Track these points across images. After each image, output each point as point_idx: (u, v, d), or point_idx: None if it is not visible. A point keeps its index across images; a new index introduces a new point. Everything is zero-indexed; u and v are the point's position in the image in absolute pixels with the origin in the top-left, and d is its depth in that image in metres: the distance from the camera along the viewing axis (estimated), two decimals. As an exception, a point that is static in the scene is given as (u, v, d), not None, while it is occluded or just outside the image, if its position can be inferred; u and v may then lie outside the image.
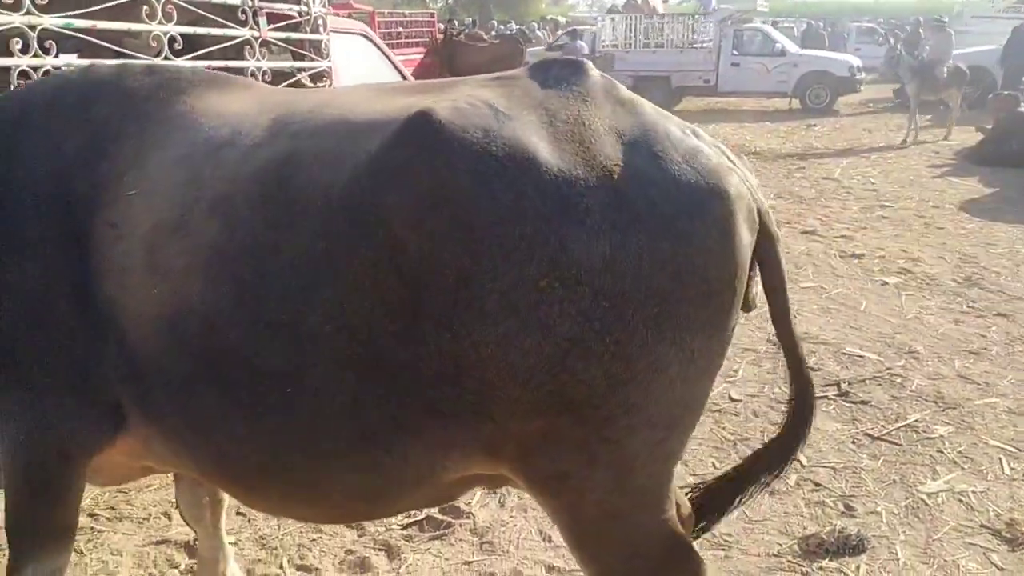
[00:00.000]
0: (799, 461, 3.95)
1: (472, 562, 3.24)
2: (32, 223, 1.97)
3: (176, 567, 3.23)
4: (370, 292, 1.69)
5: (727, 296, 1.73)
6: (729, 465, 3.91)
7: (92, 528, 3.47)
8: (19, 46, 3.43)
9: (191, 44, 4.39)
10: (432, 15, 19.13)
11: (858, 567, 3.18)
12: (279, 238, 1.77)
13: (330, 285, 1.71)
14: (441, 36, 18.44)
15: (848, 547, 3.28)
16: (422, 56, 17.26)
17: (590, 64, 1.87)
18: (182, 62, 4.22)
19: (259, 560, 3.27)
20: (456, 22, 21.93)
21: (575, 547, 1.95)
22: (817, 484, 3.80)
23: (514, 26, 25.86)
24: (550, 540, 3.37)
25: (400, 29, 17.37)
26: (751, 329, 5.72)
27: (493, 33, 23.89)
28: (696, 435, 4.22)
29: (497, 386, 1.68)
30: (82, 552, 3.32)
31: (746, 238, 1.74)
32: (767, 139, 15.78)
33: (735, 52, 20.25)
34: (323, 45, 5.30)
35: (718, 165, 1.73)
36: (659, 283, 1.63)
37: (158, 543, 3.37)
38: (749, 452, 4.01)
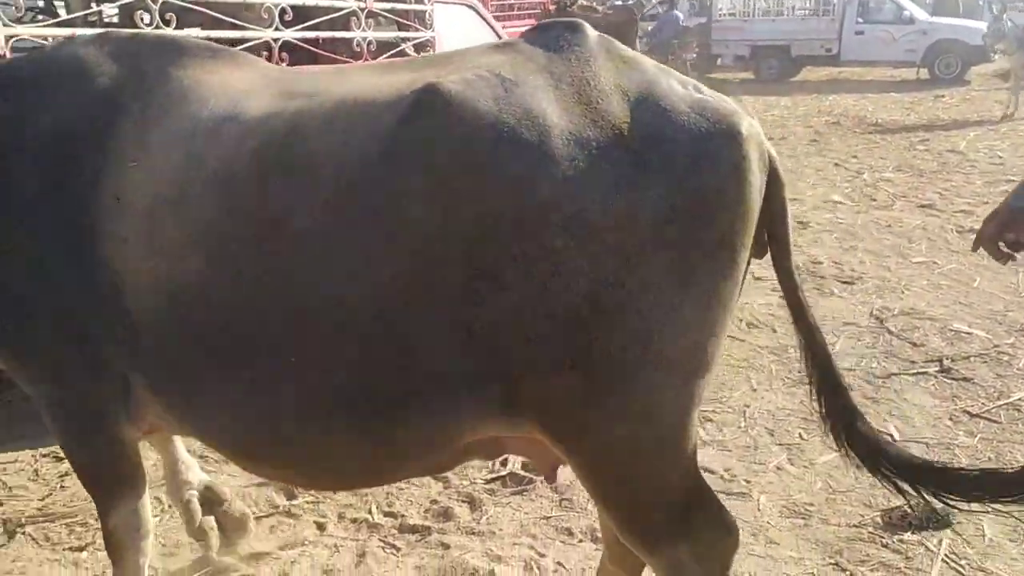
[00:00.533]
0: (890, 435, 3.88)
1: (550, 517, 3.34)
2: (39, 185, 2.02)
3: (276, 508, 3.46)
4: (380, 268, 1.72)
5: (740, 239, 1.75)
6: (816, 438, 3.90)
7: (202, 468, 3.73)
8: (145, 19, 3.68)
9: (301, 15, 4.60)
10: (546, -15, 19.04)
11: (941, 541, 3.13)
12: (281, 214, 1.79)
13: (336, 261, 1.75)
14: (554, 7, 18.39)
15: (933, 521, 3.22)
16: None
17: (588, 25, 1.87)
18: (291, 33, 4.43)
19: (349, 505, 3.46)
20: (571, -8, 21.74)
21: (599, 497, 1.98)
22: (907, 459, 3.72)
23: (630, -4, 25.45)
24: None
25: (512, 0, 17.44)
26: (853, 304, 5.60)
27: (608, 3, 23.62)
28: (785, 406, 4.21)
29: (512, 349, 1.71)
30: (192, 489, 3.59)
31: (758, 180, 1.76)
32: (890, 110, 15.14)
33: (860, 20, 19.43)
34: (427, 15, 5.44)
35: (727, 111, 1.74)
36: (674, 233, 1.66)
37: (260, 484, 3.60)
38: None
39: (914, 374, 4.54)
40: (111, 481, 2.35)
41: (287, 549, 3.19)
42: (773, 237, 1.91)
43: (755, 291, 5.88)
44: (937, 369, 4.60)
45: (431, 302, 1.72)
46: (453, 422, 1.86)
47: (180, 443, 3.08)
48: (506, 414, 1.84)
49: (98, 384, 2.10)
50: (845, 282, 6.05)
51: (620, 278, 1.65)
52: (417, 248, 1.70)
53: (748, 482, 3.57)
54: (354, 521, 3.36)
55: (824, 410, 2.11)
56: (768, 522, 3.30)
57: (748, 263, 1.87)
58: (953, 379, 4.48)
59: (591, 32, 1.85)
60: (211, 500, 3.16)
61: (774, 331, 5.18)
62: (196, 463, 3.21)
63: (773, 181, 1.84)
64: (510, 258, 1.66)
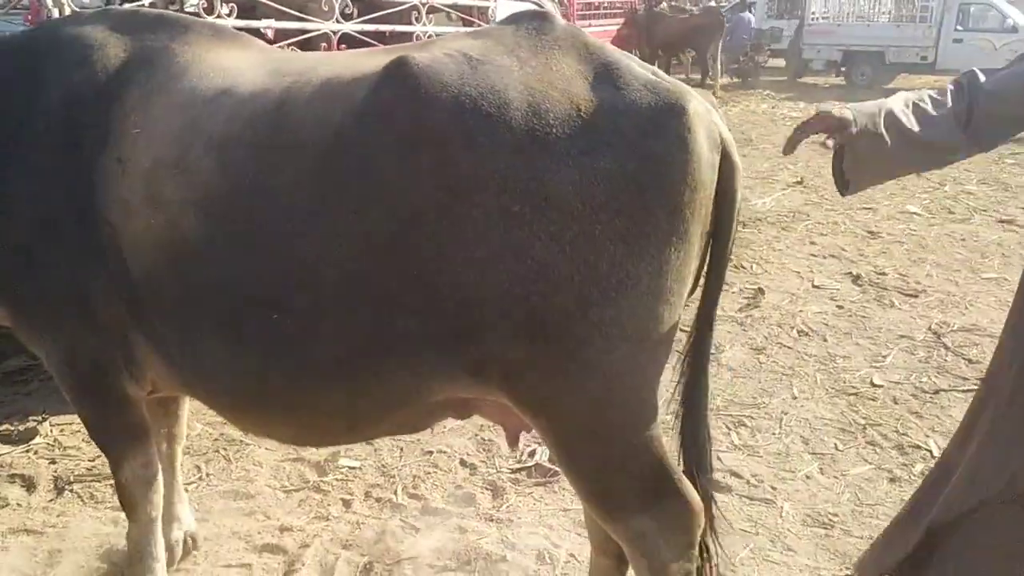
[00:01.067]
0: (928, 451, 3.80)
1: (569, 510, 3.37)
2: (45, 149, 2.18)
3: (306, 483, 3.58)
4: (357, 225, 1.85)
5: (691, 208, 1.84)
6: (852, 450, 3.84)
7: (241, 441, 3.90)
8: (204, 6, 3.85)
9: (364, 9, 4.73)
10: (634, -15, 18.94)
11: (964, 561, 3.05)
12: (270, 177, 1.95)
13: (318, 219, 1.88)
14: (642, 6, 18.29)
15: (958, 540, 3.14)
16: (619, 27, 17.21)
17: (557, 15, 2.01)
18: (351, 25, 4.56)
19: (377, 485, 3.57)
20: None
21: (564, 465, 2.06)
22: (944, 476, 3.63)
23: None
24: (650, 498, 3.46)
25: (599, -1, 17.42)
26: (912, 317, 5.46)
27: (700, 5, 23.30)
28: (824, 416, 4.15)
29: (475, 310, 1.82)
30: (229, 460, 3.76)
31: (707, 155, 1.86)
32: (984, 121, 14.55)
33: (959, 27, 18.71)
34: (490, 11, 5.51)
35: (677, 90, 1.85)
36: (626, 200, 1.77)
37: (294, 460, 3.74)
38: (878, 437, 3.93)
39: (964, 391, 4.40)
40: (118, 437, 2.49)
41: (313, 523, 3.31)
42: (717, 219, 1.97)
43: (811, 299, 5.79)
44: (990, 387, 4.45)
45: (402, 261, 1.84)
46: (425, 380, 1.97)
47: (180, 471, 3.13)
48: (474, 376, 1.94)
49: (100, 343, 2.24)
50: (908, 295, 5.89)
51: (575, 244, 1.76)
52: (385, 208, 1.83)
53: (774, 488, 3.54)
54: (379, 500, 3.46)
55: (682, 427, 2.23)
56: (788, 529, 3.27)
57: (709, 241, 2.00)
58: (1005, 398, 4.33)
59: (559, 22, 1.99)
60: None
61: (824, 340, 5.09)
62: (186, 495, 3.20)
63: (725, 164, 1.93)
64: (471, 220, 1.78)
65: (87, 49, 2.27)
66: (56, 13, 3.35)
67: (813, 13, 20.56)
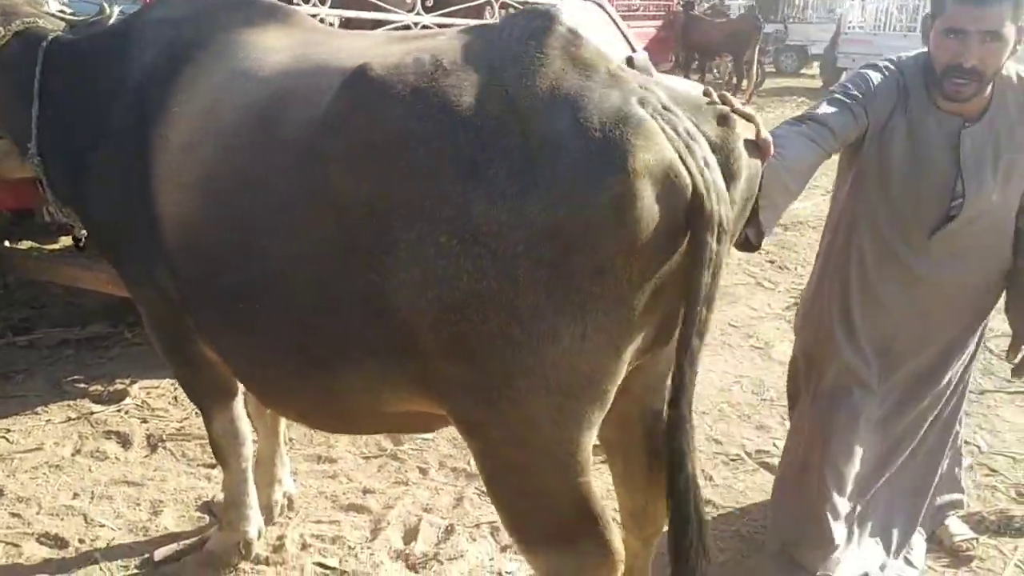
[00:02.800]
0: (976, 447, 3.94)
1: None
2: (125, 126, 2.31)
3: (383, 451, 3.77)
4: (315, 227, 1.86)
5: (622, 273, 1.67)
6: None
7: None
8: None
9: (440, 3, 4.91)
10: (671, -12, 19.01)
11: (1016, 548, 3.19)
12: (258, 169, 1.98)
13: (287, 216, 1.91)
14: (679, 10, 18.37)
15: (1011, 529, 3.29)
16: (657, 30, 17.30)
17: (563, 18, 1.77)
18: (431, 18, 4.74)
19: (450, 456, 3.75)
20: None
21: (488, 490, 2.05)
22: (992, 470, 3.78)
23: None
24: (711, 479, 3.63)
25: (637, 1, 17.49)
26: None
27: (740, 12, 23.37)
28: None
29: (412, 327, 1.78)
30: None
31: (649, 217, 1.63)
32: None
33: (997, 40, 18.74)
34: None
35: (637, 138, 1.61)
36: (550, 252, 1.62)
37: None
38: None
39: (1011, 392, 4.55)
40: (205, 395, 2.72)
41: (393, 487, 3.50)
42: (685, 283, 1.76)
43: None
44: (1036, 388, 4.60)
45: (350, 268, 1.83)
46: (377, 388, 1.98)
47: (283, 436, 3.32)
48: (421, 391, 1.93)
49: (173, 312, 2.42)
50: (950, 300, 6.00)
51: (500, 285, 1.66)
52: (338, 215, 1.82)
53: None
54: (453, 470, 3.65)
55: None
56: (845, 513, 3.42)
57: (661, 301, 1.79)
58: (1052, 402, 4.47)
59: (560, 28, 1.75)
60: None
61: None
62: (288, 458, 3.41)
63: (695, 216, 1.69)
64: (407, 241, 1.72)
65: (161, 31, 2.41)
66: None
67: (850, 22, 20.63)
